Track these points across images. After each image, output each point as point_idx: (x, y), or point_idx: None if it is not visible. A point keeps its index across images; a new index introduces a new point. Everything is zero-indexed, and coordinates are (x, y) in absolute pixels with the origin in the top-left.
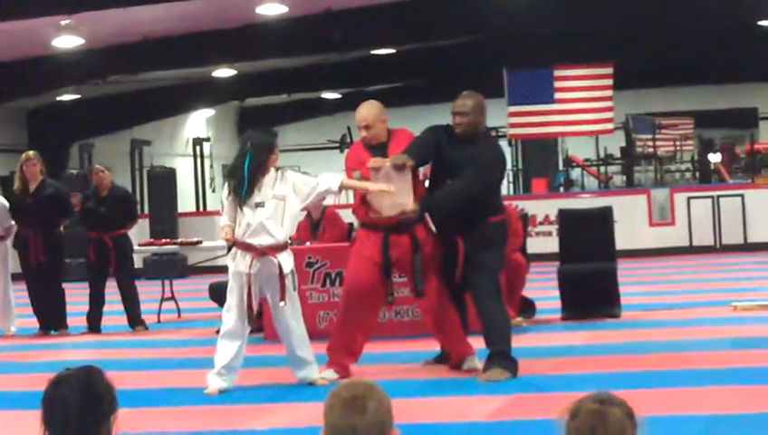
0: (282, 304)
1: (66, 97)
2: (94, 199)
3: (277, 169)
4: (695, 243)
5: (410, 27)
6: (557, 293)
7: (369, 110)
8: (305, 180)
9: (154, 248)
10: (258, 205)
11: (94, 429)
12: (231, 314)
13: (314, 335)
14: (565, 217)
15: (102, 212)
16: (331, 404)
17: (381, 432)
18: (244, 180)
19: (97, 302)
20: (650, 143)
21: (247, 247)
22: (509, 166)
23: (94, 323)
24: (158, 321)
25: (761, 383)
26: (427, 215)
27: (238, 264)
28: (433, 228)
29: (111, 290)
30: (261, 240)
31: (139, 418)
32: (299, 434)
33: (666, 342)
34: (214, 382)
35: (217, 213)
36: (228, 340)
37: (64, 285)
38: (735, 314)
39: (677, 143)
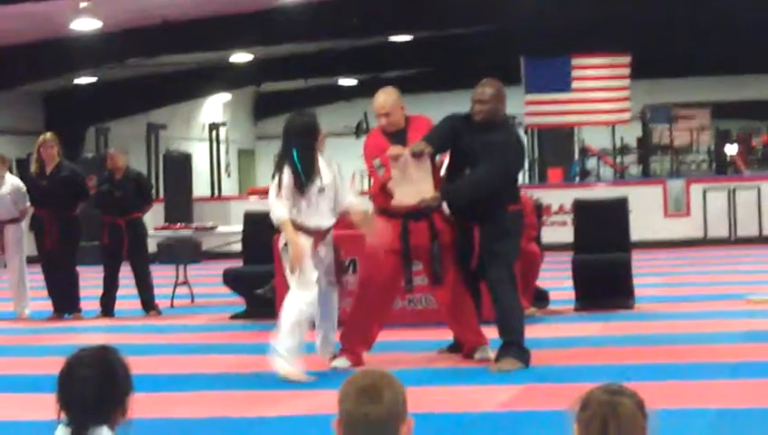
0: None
1: (83, 80)
2: (109, 183)
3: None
4: (710, 235)
5: (428, 14)
6: (571, 283)
7: (386, 97)
8: (345, 185)
9: (168, 233)
10: (320, 190)
11: (111, 409)
12: (315, 292)
13: None
14: (580, 207)
15: (117, 196)
16: (346, 392)
17: (396, 421)
18: (299, 173)
19: (110, 286)
20: (667, 133)
21: (312, 232)
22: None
23: (107, 307)
24: (172, 306)
25: None
26: (444, 203)
27: (306, 245)
28: (449, 215)
29: (126, 274)
30: (325, 224)
31: (151, 403)
32: (312, 421)
33: (679, 334)
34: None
35: (234, 198)
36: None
37: (79, 268)
38: (749, 307)
39: (694, 134)
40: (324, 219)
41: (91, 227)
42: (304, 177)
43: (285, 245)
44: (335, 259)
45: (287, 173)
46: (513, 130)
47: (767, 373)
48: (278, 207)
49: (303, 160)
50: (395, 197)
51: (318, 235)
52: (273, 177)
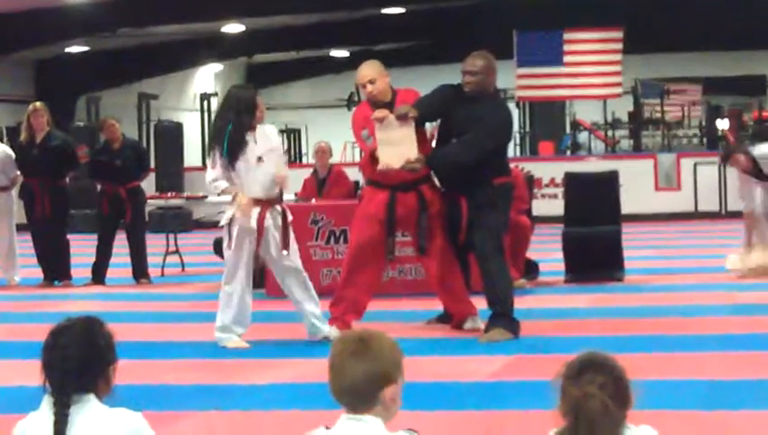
0: (285, 252)
1: (74, 49)
2: (107, 153)
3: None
4: (700, 208)
5: None
6: (561, 255)
7: (370, 66)
8: (280, 153)
9: (160, 202)
10: (259, 159)
11: (92, 378)
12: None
13: (317, 292)
14: (571, 180)
15: (118, 165)
16: (334, 345)
17: (377, 381)
18: (227, 145)
19: (104, 253)
20: (658, 108)
21: (257, 202)
22: (516, 128)
23: (99, 275)
24: (162, 274)
25: (762, 349)
26: (433, 174)
27: (250, 220)
28: (438, 186)
29: (118, 243)
30: (270, 192)
31: (141, 370)
32: (301, 389)
33: (668, 306)
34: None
35: None
36: (247, 294)
37: (69, 236)
38: (739, 280)
39: (685, 109)
40: (265, 189)
41: (82, 195)
42: (230, 156)
43: (230, 222)
44: (283, 227)
45: (220, 147)
46: (503, 102)
47: (755, 346)
48: (215, 176)
49: (234, 138)
50: (380, 160)
51: (262, 204)
52: (210, 149)
